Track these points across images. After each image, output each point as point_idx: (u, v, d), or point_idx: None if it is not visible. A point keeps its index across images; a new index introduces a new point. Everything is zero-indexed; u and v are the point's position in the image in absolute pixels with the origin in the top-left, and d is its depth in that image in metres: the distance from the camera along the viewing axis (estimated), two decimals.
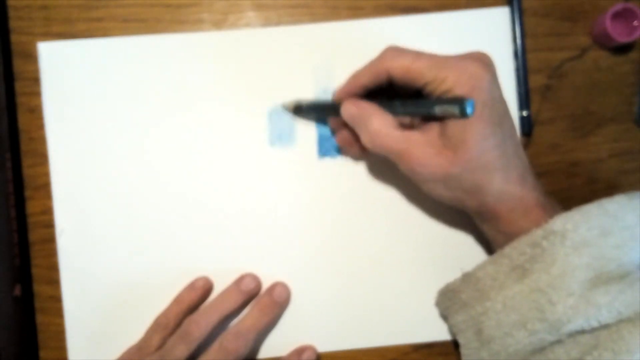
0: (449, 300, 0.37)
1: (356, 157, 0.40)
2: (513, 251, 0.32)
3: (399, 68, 0.33)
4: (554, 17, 0.41)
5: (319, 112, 0.39)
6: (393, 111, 0.34)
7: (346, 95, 0.36)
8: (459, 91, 0.32)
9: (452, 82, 0.32)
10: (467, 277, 0.35)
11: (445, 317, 0.39)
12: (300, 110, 0.39)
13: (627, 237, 0.31)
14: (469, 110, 0.31)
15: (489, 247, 0.37)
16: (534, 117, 0.40)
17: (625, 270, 0.31)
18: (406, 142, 0.33)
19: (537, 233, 0.31)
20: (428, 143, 0.33)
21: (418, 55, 0.33)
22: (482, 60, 0.33)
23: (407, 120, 0.36)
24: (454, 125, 0.32)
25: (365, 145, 0.35)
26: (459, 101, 0.31)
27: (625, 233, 0.31)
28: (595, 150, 0.40)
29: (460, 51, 0.34)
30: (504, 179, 0.32)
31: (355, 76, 0.36)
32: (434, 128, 0.33)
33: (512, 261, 0.32)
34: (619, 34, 0.39)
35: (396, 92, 0.35)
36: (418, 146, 0.33)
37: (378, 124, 0.34)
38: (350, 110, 0.35)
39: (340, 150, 0.40)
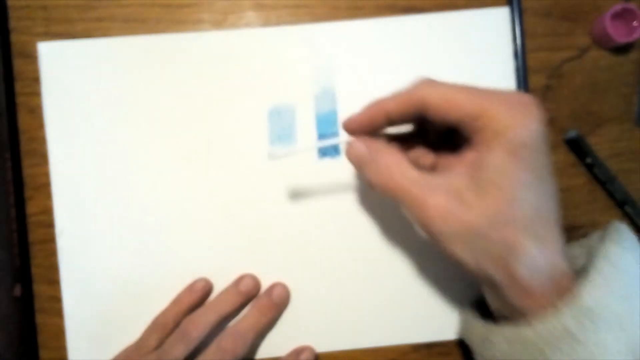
0: (481, 343, 0.32)
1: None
2: (544, 332, 0.27)
3: (437, 97, 0.29)
4: (554, 17, 0.41)
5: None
6: None
7: (359, 127, 0.31)
8: (504, 126, 0.27)
9: (496, 116, 0.27)
10: (516, 334, 0.29)
11: (468, 341, 0.34)
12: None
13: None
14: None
15: None
16: None
17: None
18: (423, 185, 0.28)
19: (567, 314, 0.26)
20: (450, 188, 0.28)
21: (457, 85, 0.29)
22: (532, 100, 0.28)
23: (428, 160, 0.32)
24: (491, 166, 0.27)
25: (371, 186, 0.30)
26: None
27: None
28: (595, 150, 0.40)
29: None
30: (540, 245, 0.27)
31: (379, 102, 0.31)
32: (462, 171, 0.29)
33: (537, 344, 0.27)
34: (619, 34, 0.38)
35: (419, 135, 0.31)
36: (437, 191, 0.28)
37: (390, 160, 0.29)
38: (359, 149, 0.30)
39: None
